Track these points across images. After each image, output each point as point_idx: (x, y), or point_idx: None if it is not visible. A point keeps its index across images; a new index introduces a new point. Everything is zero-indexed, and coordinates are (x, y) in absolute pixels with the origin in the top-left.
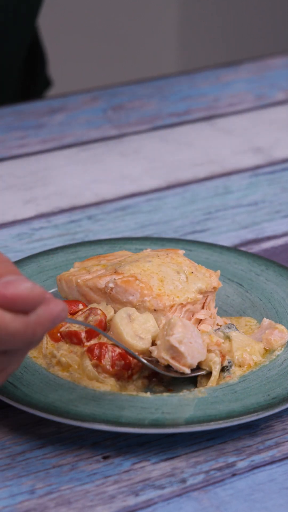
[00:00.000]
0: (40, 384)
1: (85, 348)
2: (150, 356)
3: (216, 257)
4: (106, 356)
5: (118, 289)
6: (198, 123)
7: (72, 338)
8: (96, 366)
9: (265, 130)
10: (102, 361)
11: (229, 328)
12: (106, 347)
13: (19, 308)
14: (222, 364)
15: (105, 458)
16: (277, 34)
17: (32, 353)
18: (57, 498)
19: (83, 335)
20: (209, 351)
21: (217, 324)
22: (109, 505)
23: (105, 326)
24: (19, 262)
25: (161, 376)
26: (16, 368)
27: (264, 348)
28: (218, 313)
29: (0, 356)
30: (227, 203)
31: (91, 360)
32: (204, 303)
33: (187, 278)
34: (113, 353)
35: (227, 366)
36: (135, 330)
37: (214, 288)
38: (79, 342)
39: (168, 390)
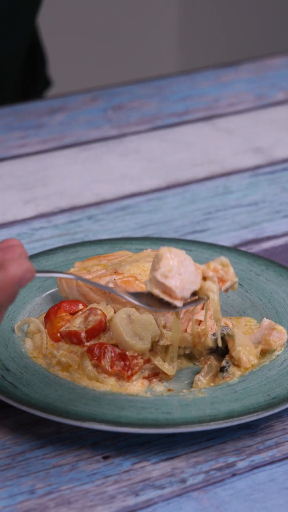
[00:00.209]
0: (40, 384)
1: (85, 348)
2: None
3: (216, 257)
4: (106, 356)
5: (118, 289)
6: (198, 123)
7: (72, 338)
8: (96, 366)
9: (265, 130)
10: (102, 361)
11: (225, 330)
12: (106, 347)
13: None
14: (220, 290)
15: (105, 458)
16: (277, 34)
17: (32, 353)
18: (57, 498)
19: (83, 335)
20: (205, 278)
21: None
22: (109, 505)
23: (105, 326)
24: None
25: (161, 376)
26: None
27: (261, 353)
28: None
29: None
30: (227, 203)
31: (91, 360)
32: (204, 303)
33: None
34: (113, 353)
35: (225, 367)
36: (135, 331)
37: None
38: (79, 342)
39: (168, 390)
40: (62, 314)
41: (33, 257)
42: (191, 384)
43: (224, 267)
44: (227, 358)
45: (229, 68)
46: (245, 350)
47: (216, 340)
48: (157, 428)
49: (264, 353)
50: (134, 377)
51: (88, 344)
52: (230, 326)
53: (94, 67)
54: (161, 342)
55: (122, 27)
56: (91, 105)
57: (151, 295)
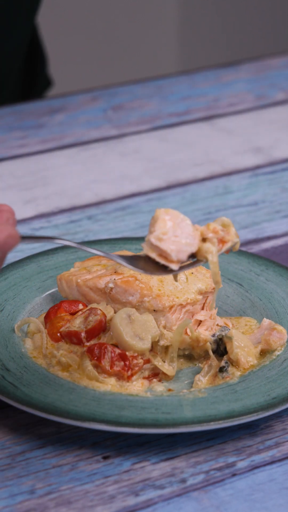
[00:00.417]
0: (40, 384)
1: (85, 348)
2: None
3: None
4: (106, 356)
5: (118, 289)
6: (198, 123)
7: (72, 338)
8: (96, 366)
9: (265, 130)
10: (102, 361)
11: (224, 331)
12: (106, 347)
13: None
14: (221, 251)
15: (105, 458)
16: (277, 34)
17: (32, 353)
18: (57, 498)
19: (83, 335)
20: (204, 240)
21: (217, 325)
22: (109, 505)
23: (105, 326)
24: (19, 262)
25: (161, 376)
26: None
27: (260, 353)
28: (218, 313)
29: None
30: (227, 203)
31: (91, 360)
32: (204, 303)
33: (187, 278)
34: (112, 354)
35: (224, 367)
36: (135, 331)
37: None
38: (79, 342)
39: (168, 390)
40: (62, 314)
41: (33, 257)
42: (191, 384)
43: (225, 227)
44: (225, 358)
45: (229, 68)
46: (243, 351)
47: (215, 341)
48: (157, 428)
49: (264, 353)
50: (134, 377)
51: (88, 344)
52: (230, 326)
53: (94, 67)
54: (161, 343)
55: (122, 27)
56: (91, 105)
57: (148, 258)
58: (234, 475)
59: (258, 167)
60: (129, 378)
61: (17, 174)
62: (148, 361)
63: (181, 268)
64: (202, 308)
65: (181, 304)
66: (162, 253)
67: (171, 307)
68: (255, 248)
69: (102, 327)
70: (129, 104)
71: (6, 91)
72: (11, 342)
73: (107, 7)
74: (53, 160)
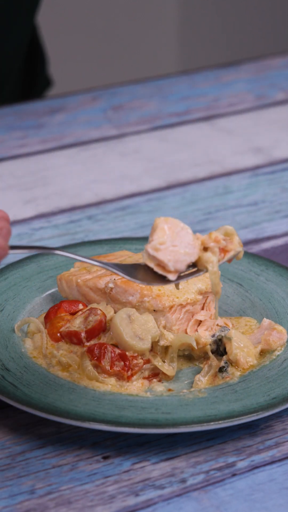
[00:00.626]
0: (40, 384)
1: (85, 348)
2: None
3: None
4: (106, 356)
5: (118, 289)
6: (198, 123)
7: (72, 338)
8: (96, 366)
9: (265, 130)
10: (102, 361)
11: (223, 331)
12: (106, 347)
13: None
14: (222, 260)
15: (105, 458)
16: (277, 34)
17: (32, 353)
18: (57, 498)
19: (83, 335)
20: (206, 249)
21: (217, 325)
22: (109, 505)
23: (105, 326)
24: (19, 262)
25: (161, 376)
26: None
27: (260, 353)
28: (218, 313)
29: None
30: (227, 203)
31: (91, 360)
32: (204, 303)
33: None
34: (112, 354)
35: (224, 367)
36: (135, 331)
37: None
38: (79, 342)
39: (168, 390)
40: (62, 314)
41: (33, 257)
42: (191, 384)
43: (228, 236)
44: (225, 358)
45: (229, 68)
46: (242, 351)
47: (215, 341)
48: (157, 428)
49: (264, 353)
50: (134, 377)
51: (88, 344)
52: (230, 326)
53: (94, 67)
54: (161, 343)
55: (122, 27)
56: (91, 105)
57: (148, 267)
58: (234, 475)
59: (258, 167)
60: (129, 378)
61: (17, 174)
62: (148, 361)
63: (181, 277)
64: (202, 308)
65: (181, 304)
66: (160, 263)
67: (171, 307)
68: (255, 248)
69: (102, 327)
70: (129, 104)
71: (6, 91)
72: (11, 342)
73: (107, 7)
74: (53, 160)
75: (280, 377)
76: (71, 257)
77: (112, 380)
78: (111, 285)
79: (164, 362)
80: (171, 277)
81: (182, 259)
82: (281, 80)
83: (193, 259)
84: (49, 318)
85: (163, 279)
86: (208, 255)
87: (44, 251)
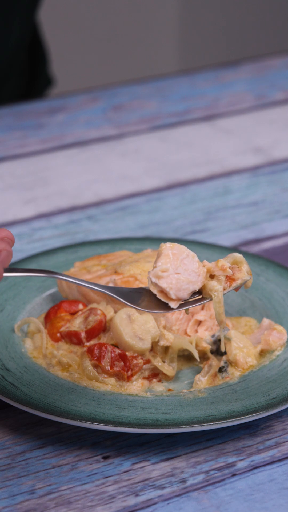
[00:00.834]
0: (40, 384)
1: (85, 348)
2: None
3: (216, 257)
4: (106, 356)
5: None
6: (198, 123)
7: (72, 338)
8: (96, 366)
9: (265, 130)
10: (102, 361)
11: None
12: (106, 347)
13: None
14: (229, 289)
15: (105, 458)
16: (277, 34)
17: (32, 353)
18: (57, 498)
19: (83, 335)
20: (212, 276)
21: (217, 325)
22: (109, 505)
23: (105, 326)
24: (19, 262)
25: (161, 376)
26: None
27: (260, 353)
28: None
29: None
30: (227, 203)
31: (91, 360)
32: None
33: None
34: (112, 354)
35: (223, 367)
36: (135, 331)
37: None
38: (79, 342)
39: (168, 390)
40: (62, 314)
41: (33, 257)
42: (191, 384)
43: (237, 264)
44: (224, 358)
45: (229, 68)
46: (242, 351)
47: (214, 341)
48: (157, 428)
49: (264, 353)
50: (134, 378)
51: (88, 344)
52: (230, 326)
53: (94, 66)
54: (161, 343)
55: (122, 27)
56: (91, 105)
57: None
58: (234, 475)
59: (258, 167)
60: (129, 378)
61: (17, 174)
62: (148, 361)
63: (183, 305)
64: (202, 308)
65: None
66: (163, 290)
67: None
68: (255, 248)
69: (102, 327)
70: (129, 104)
71: (8, 89)
72: (11, 342)
73: (107, 7)
74: (53, 160)
75: (280, 377)
76: (73, 282)
77: (112, 380)
78: (111, 285)
79: (164, 362)
80: (173, 305)
81: (184, 287)
82: (281, 80)
83: (196, 287)
84: (49, 318)
85: (166, 306)
86: (213, 284)
87: (46, 275)
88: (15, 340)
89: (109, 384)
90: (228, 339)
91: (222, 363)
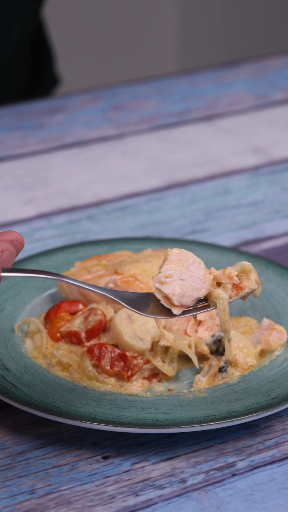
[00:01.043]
0: (40, 384)
1: (85, 348)
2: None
3: (216, 257)
4: (106, 356)
5: (118, 289)
6: (198, 123)
7: (72, 338)
8: (96, 366)
9: (265, 130)
10: (102, 361)
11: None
12: (106, 347)
13: None
14: (235, 297)
15: (105, 458)
16: (277, 34)
17: (32, 353)
18: (57, 498)
19: (83, 335)
20: (219, 284)
21: (217, 325)
22: (109, 505)
23: (105, 326)
24: (19, 262)
25: (161, 376)
26: None
27: (260, 353)
28: None
29: None
30: (227, 203)
31: (91, 360)
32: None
33: None
34: (112, 354)
35: (223, 367)
36: (135, 331)
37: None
38: (79, 342)
39: (168, 390)
40: (62, 314)
41: (33, 257)
42: (191, 384)
43: (245, 273)
44: (224, 358)
45: (229, 68)
46: (242, 351)
47: (214, 341)
48: (157, 428)
49: (263, 353)
50: (134, 378)
51: (88, 344)
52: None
53: (94, 66)
54: (161, 343)
55: (122, 27)
56: (91, 105)
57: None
58: (234, 475)
59: (258, 167)
60: (129, 378)
61: (17, 174)
62: (148, 361)
63: (187, 312)
64: None
65: None
66: (167, 295)
67: None
68: (255, 248)
69: (102, 327)
70: (129, 104)
71: (10, 88)
72: (11, 342)
73: (107, 7)
74: (53, 160)
75: (280, 377)
76: (78, 286)
77: (112, 380)
78: (111, 285)
79: (164, 362)
80: (175, 311)
81: (188, 293)
82: (281, 80)
83: (201, 294)
84: (49, 318)
85: (170, 312)
86: (218, 292)
87: (47, 276)
88: (15, 340)
89: (109, 384)
90: (228, 339)
91: (222, 363)
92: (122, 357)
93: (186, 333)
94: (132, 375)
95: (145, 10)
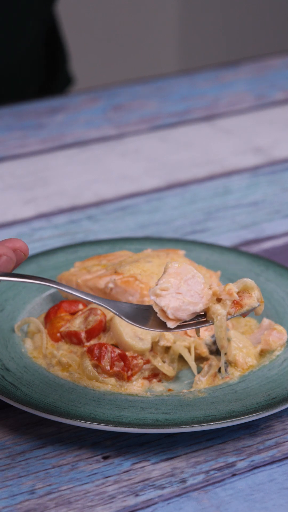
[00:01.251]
0: (40, 384)
1: (85, 348)
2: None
3: (216, 257)
4: (106, 356)
5: (118, 290)
6: (198, 123)
7: (72, 338)
8: (96, 366)
9: (265, 130)
10: (102, 361)
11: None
12: (106, 347)
13: None
14: (234, 314)
15: (105, 458)
16: (277, 34)
17: (32, 353)
18: (57, 498)
19: (83, 335)
20: (219, 300)
21: None
22: (109, 505)
23: (105, 326)
24: None
25: (161, 377)
26: None
27: (260, 353)
28: None
29: None
30: (227, 203)
31: (91, 360)
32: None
33: None
34: (112, 354)
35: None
36: (135, 331)
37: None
38: (79, 342)
39: (168, 390)
40: (62, 314)
41: (33, 257)
42: (191, 384)
43: (247, 290)
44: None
45: (229, 68)
46: (242, 352)
47: (214, 342)
48: (157, 428)
49: (263, 353)
50: (134, 378)
51: (88, 344)
52: (230, 326)
53: (94, 66)
54: (161, 343)
55: (122, 27)
56: (91, 105)
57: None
58: (234, 475)
59: (258, 167)
60: (129, 378)
61: (17, 174)
62: (148, 361)
63: (183, 326)
64: None
65: None
66: (162, 308)
67: None
68: (255, 248)
69: (102, 327)
70: (129, 104)
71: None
72: (11, 342)
73: (107, 7)
74: (53, 160)
75: (280, 377)
76: (69, 292)
77: (112, 380)
78: (111, 285)
79: (164, 362)
80: (170, 324)
81: (184, 308)
82: (281, 80)
83: (198, 309)
84: (49, 318)
85: (162, 325)
86: (216, 307)
87: (41, 282)
88: (15, 340)
89: (109, 384)
90: (228, 339)
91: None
92: (122, 357)
93: (186, 333)
94: (132, 375)
95: (145, 10)
